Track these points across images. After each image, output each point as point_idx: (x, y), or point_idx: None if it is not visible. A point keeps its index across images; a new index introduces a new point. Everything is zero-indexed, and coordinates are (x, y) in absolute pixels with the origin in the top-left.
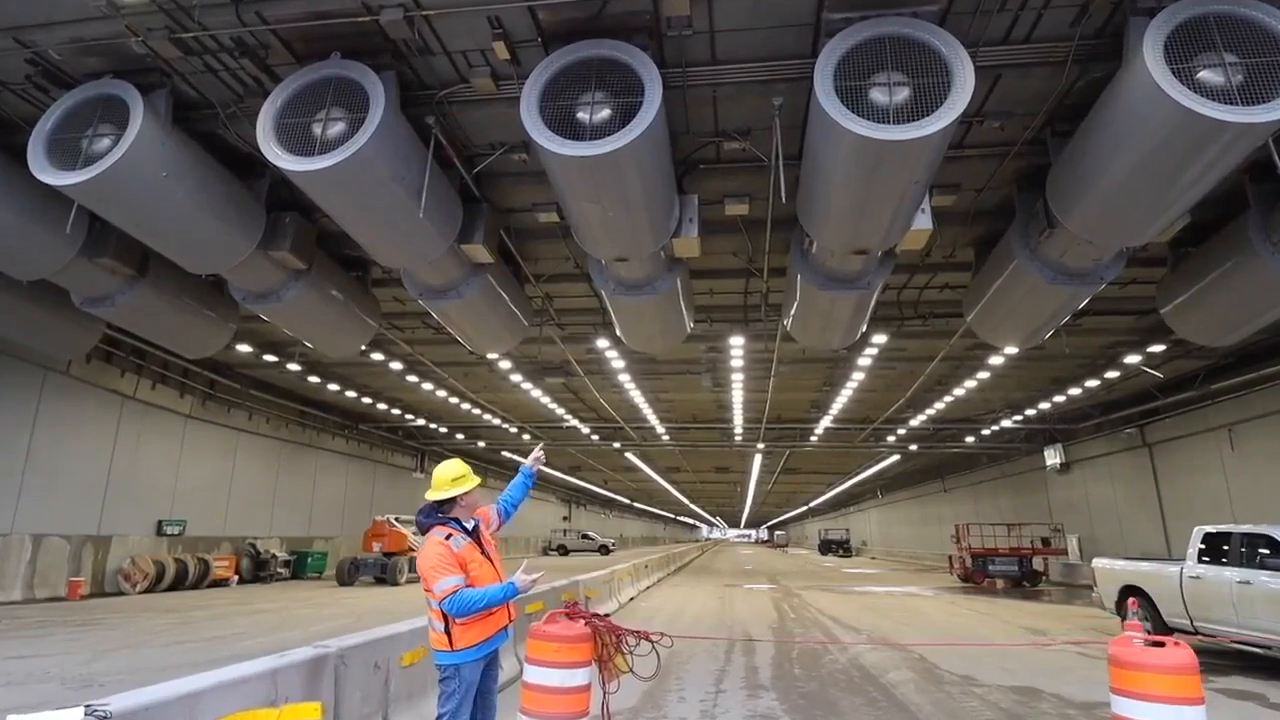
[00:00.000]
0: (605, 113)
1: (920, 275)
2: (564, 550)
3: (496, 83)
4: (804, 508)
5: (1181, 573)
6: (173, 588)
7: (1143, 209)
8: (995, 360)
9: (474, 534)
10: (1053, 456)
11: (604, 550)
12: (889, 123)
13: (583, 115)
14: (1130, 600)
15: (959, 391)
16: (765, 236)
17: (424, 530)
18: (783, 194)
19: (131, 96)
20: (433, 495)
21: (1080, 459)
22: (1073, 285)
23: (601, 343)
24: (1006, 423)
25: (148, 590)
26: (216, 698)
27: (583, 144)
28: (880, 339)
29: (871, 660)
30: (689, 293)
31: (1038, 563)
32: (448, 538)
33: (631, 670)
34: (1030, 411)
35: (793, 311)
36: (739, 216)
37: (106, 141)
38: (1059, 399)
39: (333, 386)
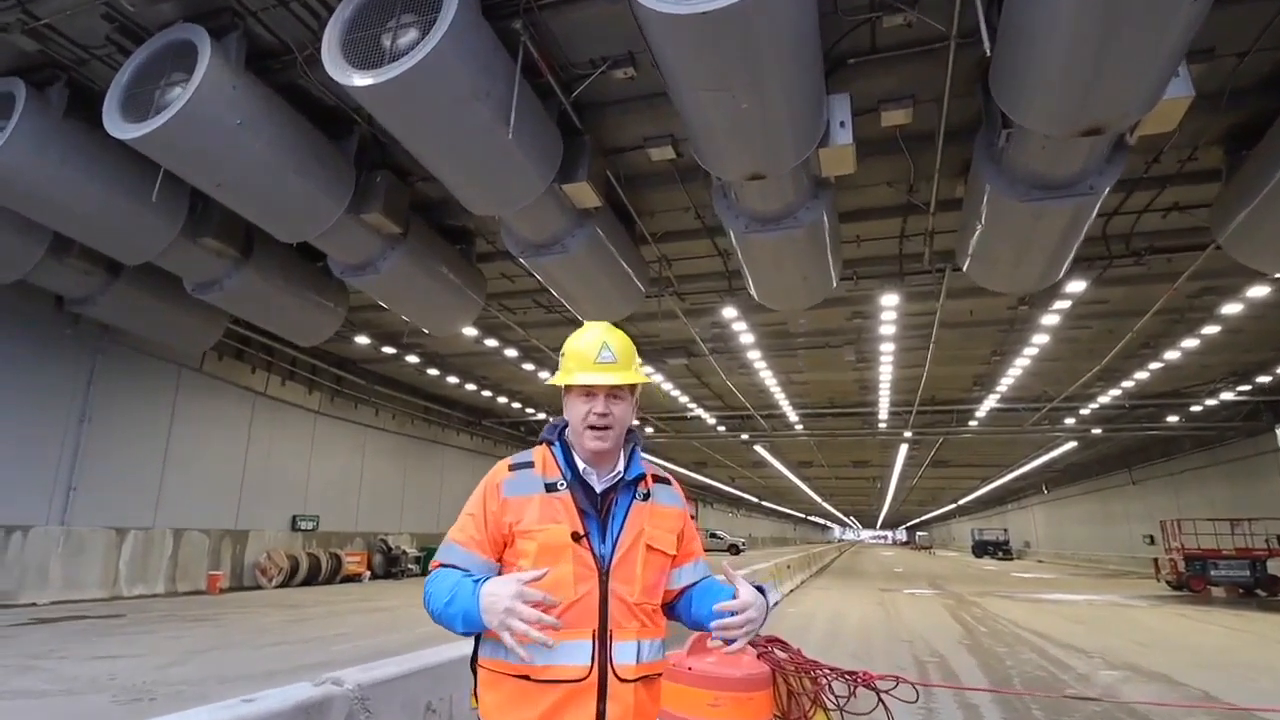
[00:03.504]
0: None
1: (1141, 193)
2: None
3: None
4: (951, 506)
5: None
6: (306, 582)
7: None
8: (1230, 309)
9: (599, 496)
10: None
11: (734, 550)
12: None
13: None
14: None
15: (1171, 355)
16: (935, 153)
17: None
18: (985, 41)
19: (200, 37)
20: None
21: None
22: None
23: (728, 312)
24: (1228, 395)
25: (283, 584)
26: None
27: None
28: (1076, 287)
29: (1141, 702)
30: (836, 230)
31: (1276, 566)
32: (514, 469)
33: None
34: (1264, 379)
35: (974, 242)
36: (898, 129)
37: (178, 90)
38: None
39: (452, 379)
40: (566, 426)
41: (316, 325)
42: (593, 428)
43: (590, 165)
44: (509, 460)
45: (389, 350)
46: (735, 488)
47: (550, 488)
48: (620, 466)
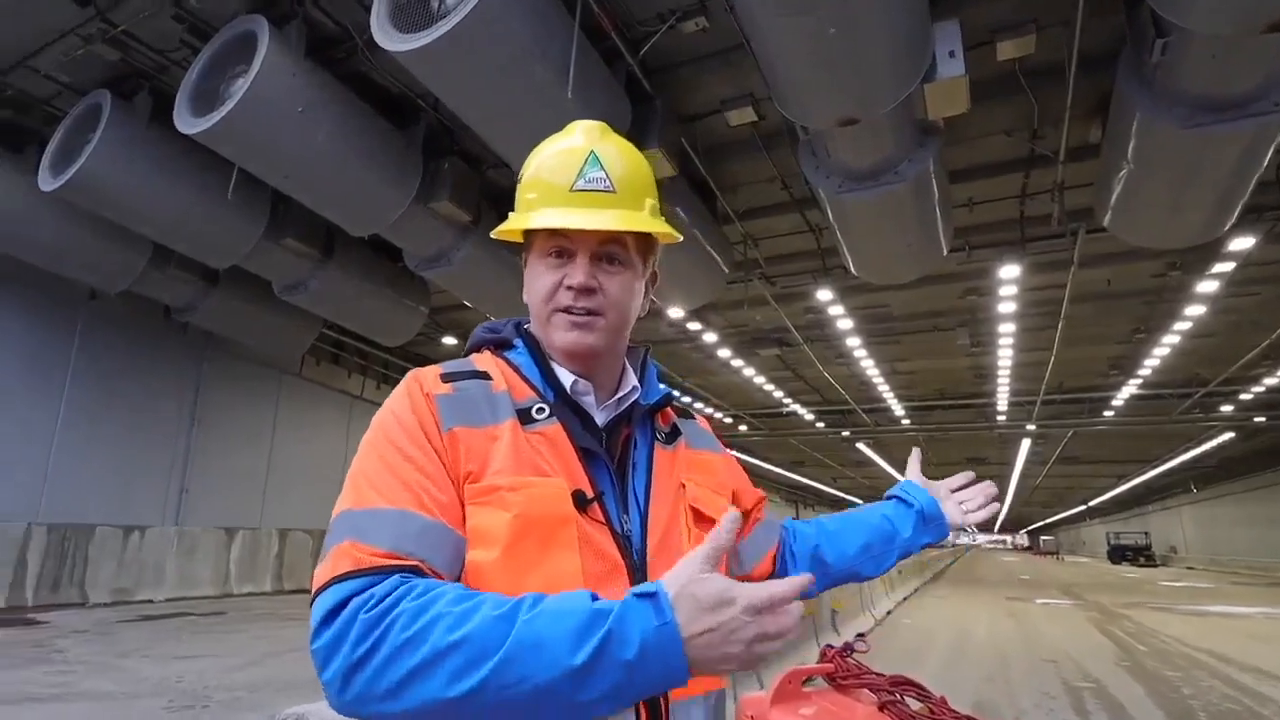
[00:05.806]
0: None
1: None
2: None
3: None
4: (1080, 507)
5: None
6: None
7: None
8: None
9: (602, 432)
10: None
11: None
12: None
13: None
14: None
15: None
16: (1065, 88)
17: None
18: None
19: (259, 26)
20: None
21: None
22: None
23: (823, 295)
24: None
25: None
26: None
27: None
28: (1242, 244)
29: None
30: (945, 187)
31: None
32: (451, 380)
33: None
34: None
35: (1118, 189)
36: (1017, 63)
37: (240, 81)
38: None
39: None
40: (528, 322)
41: (400, 324)
42: (565, 310)
43: (663, 132)
44: (435, 369)
45: None
46: (836, 489)
47: (524, 415)
48: (631, 383)
